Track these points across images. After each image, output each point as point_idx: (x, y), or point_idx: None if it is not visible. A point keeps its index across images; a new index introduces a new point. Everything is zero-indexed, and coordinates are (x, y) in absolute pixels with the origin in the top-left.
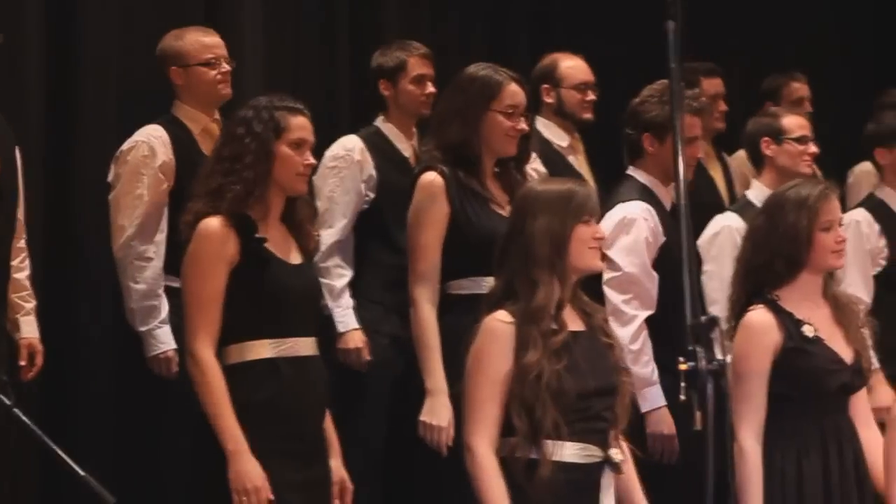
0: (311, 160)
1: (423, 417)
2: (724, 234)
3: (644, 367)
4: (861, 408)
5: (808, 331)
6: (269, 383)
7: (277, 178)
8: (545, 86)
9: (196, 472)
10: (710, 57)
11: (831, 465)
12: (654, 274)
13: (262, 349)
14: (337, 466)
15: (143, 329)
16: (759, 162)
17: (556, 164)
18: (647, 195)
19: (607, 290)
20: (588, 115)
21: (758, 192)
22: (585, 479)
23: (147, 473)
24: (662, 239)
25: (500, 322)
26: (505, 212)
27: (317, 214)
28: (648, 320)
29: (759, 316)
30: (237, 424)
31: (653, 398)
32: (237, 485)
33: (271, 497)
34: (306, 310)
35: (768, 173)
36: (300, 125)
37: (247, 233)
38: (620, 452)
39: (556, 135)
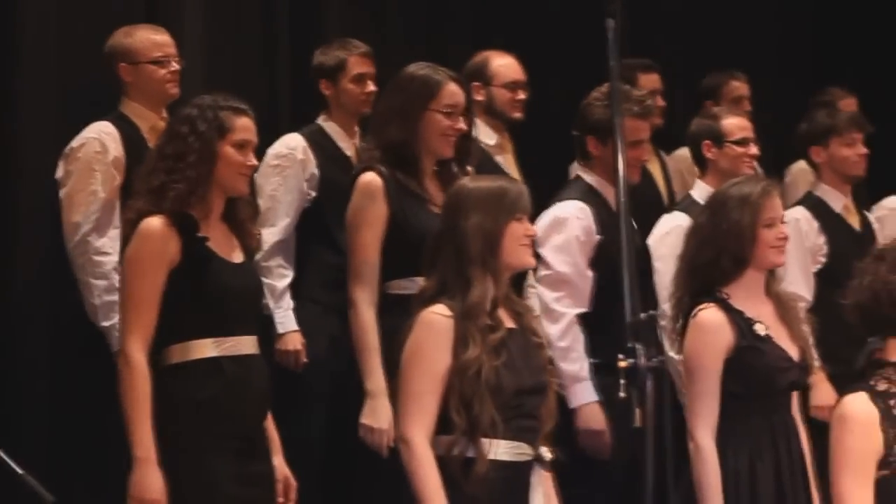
0: (254, 161)
1: (364, 420)
2: (675, 233)
3: (572, 363)
4: (795, 405)
5: (759, 329)
6: (212, 382)
7: (220, 178)
8: (475, 83)
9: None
10: (649, 53)
11: (782, 462)
12: (588, 273)
13: (205, 348)
14: (280, 464)
15: (106, 324)
16: (702, 163)
17: (483, 163)
18: (592, 196)
19: (539, 288)
20: (518, 115)
21: (702, 192)
22: (518, 478)
23: (87, 472)
24: (597, 238)
25: (439, 315)
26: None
27: (258, 213)
28: (591, 318)
29: (710, 315)
30: (150, 433)
31: (582, 394)
32: (137, 493)
33: None
34: (248, 308)
35: (711, 174)
36: (244, 126)
37: (188, 232)
38: (550, 451)
39: (484, 133)
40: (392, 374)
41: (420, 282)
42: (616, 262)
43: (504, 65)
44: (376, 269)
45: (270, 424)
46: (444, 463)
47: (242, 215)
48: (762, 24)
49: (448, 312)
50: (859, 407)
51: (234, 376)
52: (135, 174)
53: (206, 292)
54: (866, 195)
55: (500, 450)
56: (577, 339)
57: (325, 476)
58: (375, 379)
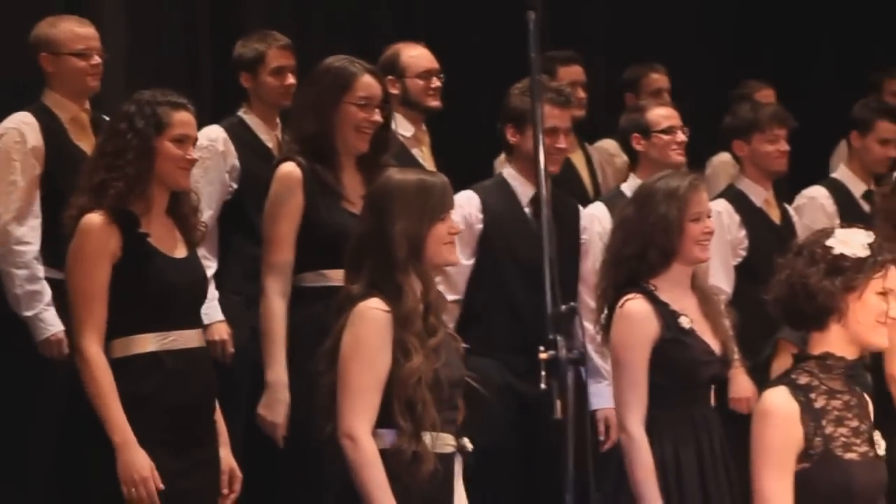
0: (193, 155)
1: (260, 410)
2: (592, 223)
3: None
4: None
5: (684, 322)
6: (153, 376)
7: (160, 173)
8: (389, 77)
9: (69, 466)
10: (572, 45)
11: (704, 454)
12: (465, 262)
13: (146, 343)
14: (226, 455)
15: (29, 314)
16: (632, 157)
17: (399, 155)
18: (500, 187)
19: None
20: (435, 103)
21: (633, 185)
22: (445, 468)
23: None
24: (479, 227)
25: (378, 310)
26: (356, 208)
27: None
28: (473, 307)
29: (637, 305)
30: (124, 417)
31: None
32: (125, 476)
33: (161, 486)
34: (191, 302)
35: (643, 167)
36: (183, 121)
37: (129, 228)
38: (469, 441)
39: (400, 125)
40: (299, 364)
41: (328, 275)
42: (504, 255)
43: (415, 55)
44: (290, 261)
45: (219, 416)
46: (387, 457)
47: (185, 209)
48: (682, 17)
49: (385, 307)
50: (779, 401)
51: (177, 370)
52: (57, 166)
53: (147, 287)
54: (787, 187)
55: (438, 442)
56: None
57: (245, 465)
58: (276, 370)
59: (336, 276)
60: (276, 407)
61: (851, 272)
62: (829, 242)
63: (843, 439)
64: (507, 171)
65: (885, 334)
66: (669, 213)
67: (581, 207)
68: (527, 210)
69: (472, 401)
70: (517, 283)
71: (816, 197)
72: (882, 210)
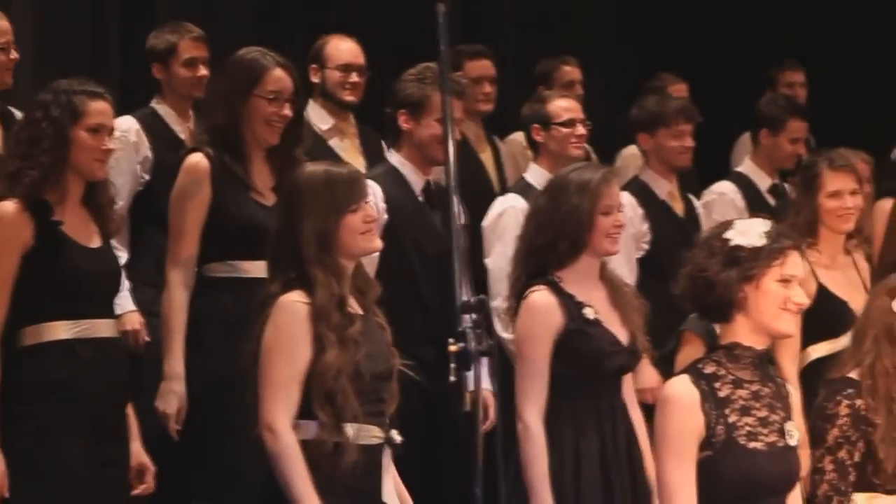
0: (110, 145)
1: (157, 402)
2: (508, 214)
3: None
4: (628, 389)
5: (588, 313)
6: (64, 364)
7: (75, 163)
8: (313, 66)
9: None
10: (486, 39)
11: (607, 444)
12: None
13: (58, 330)
14: (137, 449)
15: None
16: (534, 147)
17: (316, 148)
18: (393, 176)
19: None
20: (350, 98)
21: (535, 175)
22: (371, 460)
23: None
24: (384, 217)
25: (299, 303)
26: (265, 199)
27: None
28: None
29: (541, 297)
30: None
31: None
32: None
33: (6, 494)
34: (105, 292)
35: (543, 157)
36: (99, 110)
37: (42, 217)
38: (398, 434)
39: (319, 117)
40: (205, 353)
41: (236, 265)
42: (407, 245)
43: (339, 47)
44: (194, 251)
45: (131, 409)
46: (308, 448)
47: (102, 199)
48: (596, 9)
49: (305, 300)
50: (680, 389)
51: (88, 359)
52: None
53: (60, 275)
54: (698, 180)
55: (361, 434)
56: None
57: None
58: (173, 361)
59: (244, 267)
60: (170, 398)
61: (747, 262)
62: (727, 234)
63: (748, 428)
64: (396, 159)
65: (791, 321)
66: (581, 205)
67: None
68: (420, 199)
69: None
70: (421, 272)
71: (726, 192)
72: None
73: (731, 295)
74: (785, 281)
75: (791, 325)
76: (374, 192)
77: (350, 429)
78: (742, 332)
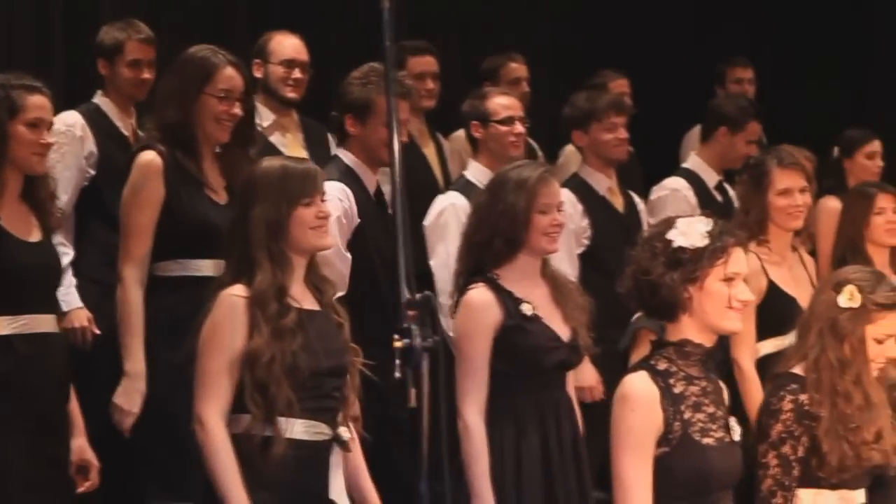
0: (48, 139)
1: (116, 399)
2: (448, 212)
3: None
4: (570, 386)
5: (526, 309)
6: (4, 360)
7: (13, 157)
8: (257, 61)
9: None
10: (432, 35)
11: (550, 441)
12: (347, 255)
13: None
14: (79, 445)
15: None
16: (473, 143)
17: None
18: (350, 177)
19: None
20: (292, 94)
21: (475, 172)
22: (316, 457)
23: None
24: (357, 220)
25: (236, 296)
26: (218, 197)
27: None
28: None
29: (479, 294)
30: None
31: None
32: None
33: None
34: (44, 287)
35: (482, 154)
36: (37, 104)
37: None
38: (349, 431)
39: (260, 113)
40: (155, 352)
41: (188, 264)
42: (369, 246)
43: (282, 43)
44: (147, 249)
45: (74, 405)
46: (240, 442)
47: (42, 194)
48: (543, 6)
49: (245, 293)
50: (640, 386)
51: (27, 354)
52: None
53: None
54: (641, 176)
55: (297, 429)
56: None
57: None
58: (135, 360)
59: (196, 266)
60: (134, 397)
61: (690, 264)
62: (669, 235)
63: (700, 424)
64: (349, 159)
65: (737, 318)
66: (517, 203)
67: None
68: (373, 199)
69: None
70: (381, 272)
71: (679, 189)
72: None
73: (675, 297)
74: (728, 279)
75: (737, 323)
76: (348, 195)
77: (284, 422)
78: (689, 330)
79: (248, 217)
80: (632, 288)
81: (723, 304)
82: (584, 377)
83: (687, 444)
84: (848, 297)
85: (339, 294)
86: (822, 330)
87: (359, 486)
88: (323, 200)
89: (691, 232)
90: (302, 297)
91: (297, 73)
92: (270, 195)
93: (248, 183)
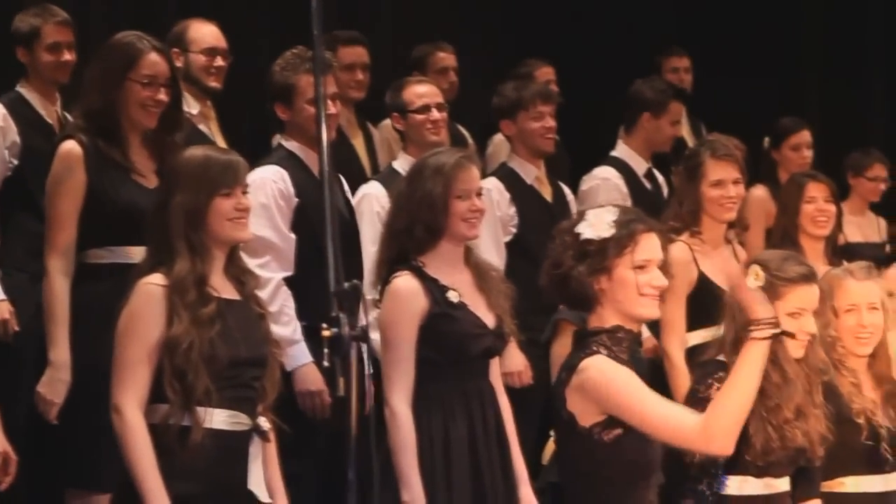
0: None
1: (40, 388)
2: (364, 201)
3: (284, 326)
4: (496, 372)
5: (452, 296)
6: None
7: None
8: (175, 51)
9: None
10: (363, 25)
11: (476, 428)
12: (291, 235)
13: None
14: None
15: None
16: (400, 134)
17: (190, 133)
18: (292, 161)
19: (242, 255)
20: (214, 83)
21: (403, 163)
22: (235, 447)
23: None
24: (296, 201)
25: (154, 285)
26: (147, 182)
27: None
28: (297, 282)
29: (404, 282)
30: None
31: (296, 356)
32: None
33: None
34: None
35: (408, 144)
36: None
37: None
38: (268, 421)
39: (188, 101)
40: (84, 340)
41: (119, 251)
42: (316, 227)
43: (202, 31)
44: (72, 239)
45: None
46: (158, 431)
47: None
48: None
49: (163, 282)
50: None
51: None
52: None
53: None
54: (570, 166)
55: (216, 419)
56: (287, 302)
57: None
58: (60, 350)
59: (126, 253)
60: (57, 386)
61: (597, 255)
62: (577, 228)
63: None
64: (291, 145)
65: (652, 304)
66: (434, 189)
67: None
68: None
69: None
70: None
71: (610, 178)
72: None
73: (584, 289)
74: (640, 267)
75: (653, 309)
76: (284, 178)
77: (202, 412)
78: (610, 318)
79: (169, 205)
80: (547, 281)
81: (634, 291)
82: (512, 362)
83: (634, 428)
84: (754, 277)
85: (286, 274)
86: (735, 312)
87: (267, 478)
88: (245, 193)
89: (598, 223)
90: (222, 288)
91: (218, 62)
92: (190, 184)
93: (171, 171)
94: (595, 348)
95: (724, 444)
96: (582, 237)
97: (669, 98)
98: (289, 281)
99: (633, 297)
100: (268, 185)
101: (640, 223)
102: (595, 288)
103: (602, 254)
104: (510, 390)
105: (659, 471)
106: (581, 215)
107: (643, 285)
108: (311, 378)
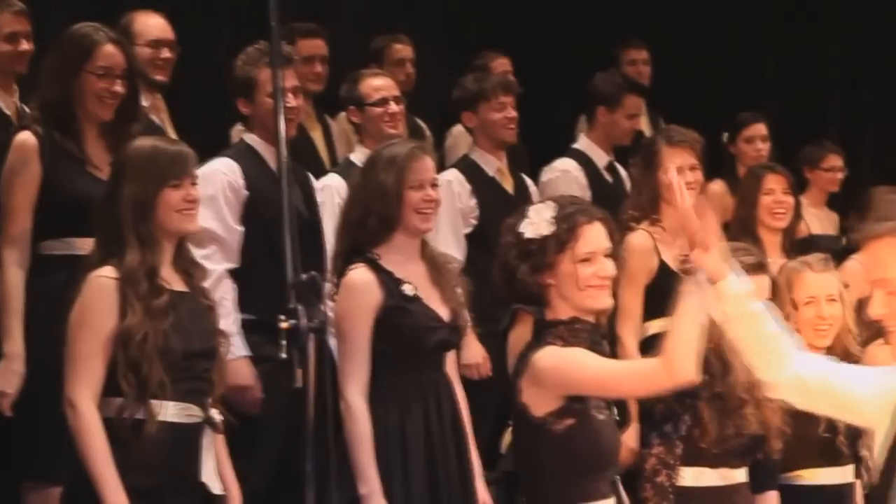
0: None
1: None
2: (324, 192)
3: (222, 319)
4: (451, 365)
5: (407, 289)
6: None
7: None
8: None
9: None
10: (322, 17)
11: (431, 420)
12: (238, 228)
13: None
14: None
15: None
16: (356, 127)
17: (146, 125)
18: (249, 155)
19: (189, 245)
20: (160, 76)
21: (360, 155)
22: (187, 439)
23: None
24: (245, 193)
25: (105, 278)
26: (102, 174)
27: None
28: (243, 275)
29: (360, 275)
30: None
31: (231, 349)
32: None
33: None
34: None
35: (365, 137)
36: None
37: None
38: (220, 413)
39: None
40: (38, 331)
41: (73, 243)
42: (266, 221)
43: (147, 23)
44: (27, 231)
45: None
46: (112, 425)
47: None
48: None
49: (114, 275)
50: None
51: None
52: None
53: None
54: (529, 157)
55: (170, 411)
56: (227, 294)
57: None
58: (13, 342)
59: (80, 244)
60: (11, 378)
61: (538, 254)
62: (519, 227)
63: (594, 400)
64: (249, 137)
65: (601, 295)
66: (387, 180)
67: (312, 177)
68: (277, 175)
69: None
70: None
71: (569, 170)
72: None
73: (531, 288)
74: (584, 260)
75: (602, 300)
76: (233, 170)
77: (157, 405)
78: (563, 311)
79: (117, 196)
80: (498, 277)
81: (580, 285)
82: (471, 354)
83: (588, 419)
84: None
85: (230, 266)
86: None
87: (219, 470)
88: (193, 184)
89: (538, 220)
90: (171, 279)
91: (165, 53)
92: (139, 175)
93: (119, 161)
94: (550, 340)
95: (687, 372)
96: (524, 236)
97: (624, 92)
98: (235, 273)
99: (579, 290)
100: (217, 176)
101: (581, 215)
102: (542, 284)
103: (543, 252)
104: (468, 380)
105: (617, 463)
106: (522, 213)
107: (589, 277)
108: (242, 372)
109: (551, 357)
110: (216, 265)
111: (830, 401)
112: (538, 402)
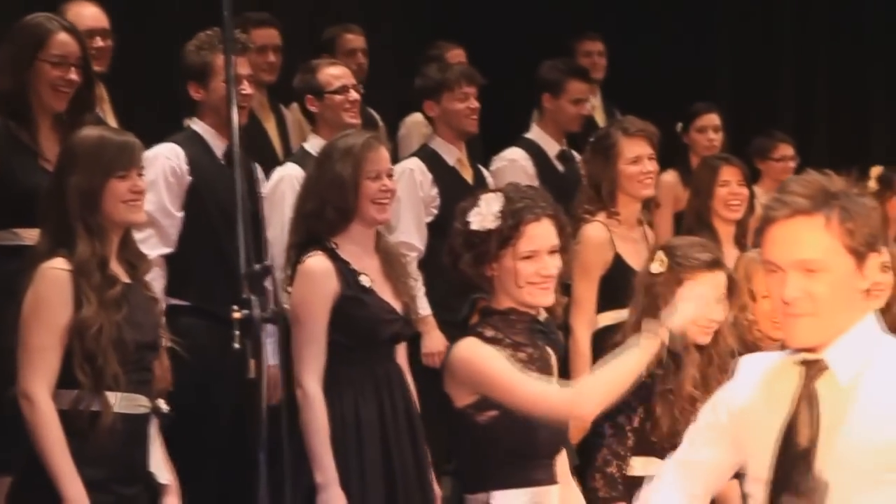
0: None
1: None
2: (285, 182)
3: None
4: (402, 354)
5: (364, 280)
6: None
7: None
8: None
9: None
10: (276, 6)
11: (385, 410)
12: (177, 213)
13: None
14: None
15: None
16: (310, 117)
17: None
18: (195, 141)
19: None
20: (97, 66)
21: (314, 144)
22: (136, 430)
23: None
24: (188, 179)
25: (58, 269)
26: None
27: None
28: (180, 262)
29: (318, 262)
30: None
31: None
32: None
33: None
34: None
35: (320, 127)
36: None
37: None
38: (165, 403)
39: None
40: None
41: (22, 233)
42: (208, 208)
43: (81, 13)
44: None
45: None
46: (69, 417)
47: None
48: None
49: (66, 266)
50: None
51: None
52: None
53: None
54: (482, 147)
55: (121, 403)
56: (156, 282)
57: None
58: None
59: (29, 235)
60: None
61: (481, 247)
62: (468, 216)
63: None
64: (198, 126)
65: (542, 292)
66: (344, 171)
67: (258, 166)
68: (223, 163)
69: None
70: (226, 235)
71: (517, 159)
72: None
73: (471, 277)
74: (526, 258)
75: (543, 297)
76: (178, 155)
77: (111, 396)
78: (503, 301)
79: (64, 186)
80: (447, 263)
81: (521, 281)
82: (432, 343)
83: (513, 410)
84: (658, 263)
85: (166, 251)
86: (639, 297)
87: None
88: (140, 175)
89: (486, 213)
90: (117, 271)
91: (98, 42)
92: (86, 165)
93: (66, 151)
94: (481, 329)
95: (589, 412)
96: (470, 227)
97: (566, 77)
98: (172, 259)
99: (518, 286)
100: (159, 161)
101: (529, 212)
102: (484, 275)
103: (486, 245)
104: (428, 369)
105: (561, 451)
106: (475, 200)
107: (529, 275)
108: None
109: (466, 350)
110: (150, 250)
111: (717, 484)
112: (457, 394)
